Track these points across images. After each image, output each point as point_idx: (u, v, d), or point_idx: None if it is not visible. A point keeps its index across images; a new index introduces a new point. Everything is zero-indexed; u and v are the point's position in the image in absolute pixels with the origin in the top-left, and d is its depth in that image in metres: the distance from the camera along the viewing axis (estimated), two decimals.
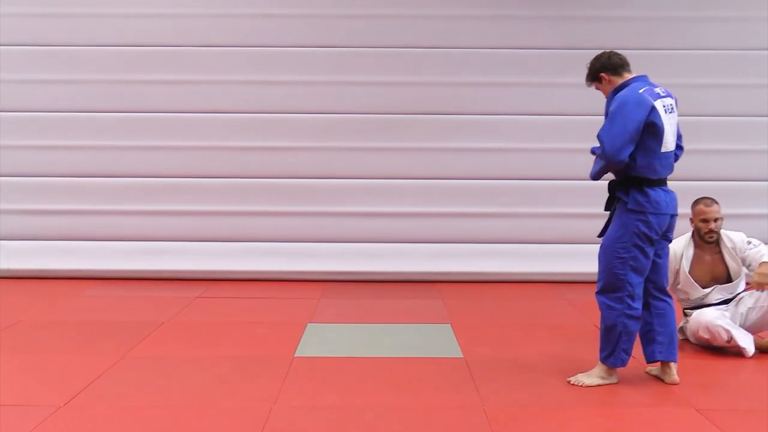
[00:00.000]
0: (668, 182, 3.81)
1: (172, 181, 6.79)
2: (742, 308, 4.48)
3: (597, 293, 3.84)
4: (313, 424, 3.28)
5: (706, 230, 4.47)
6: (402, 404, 3.54)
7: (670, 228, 3.82)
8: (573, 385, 3.83)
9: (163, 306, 5.62)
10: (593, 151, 3.84)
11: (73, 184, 6.78)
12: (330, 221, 6.80)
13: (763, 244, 4.47)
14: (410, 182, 6.83)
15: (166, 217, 6.77)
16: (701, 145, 6.21)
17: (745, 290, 4.57)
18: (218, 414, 3.39)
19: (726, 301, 4.53)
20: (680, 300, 4.60)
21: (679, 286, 4.56)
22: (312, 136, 6.80)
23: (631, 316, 3.74)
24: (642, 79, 3.81)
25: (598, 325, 3.89)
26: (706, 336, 4.37)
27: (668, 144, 3.72)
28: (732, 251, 4.48)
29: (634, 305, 3.74)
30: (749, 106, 6.80)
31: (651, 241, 3.72)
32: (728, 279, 4.52)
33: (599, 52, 3.98)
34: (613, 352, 3.78)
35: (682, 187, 3.90)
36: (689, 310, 4.61)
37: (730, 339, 4.31)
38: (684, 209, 3.89)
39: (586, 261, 6.44)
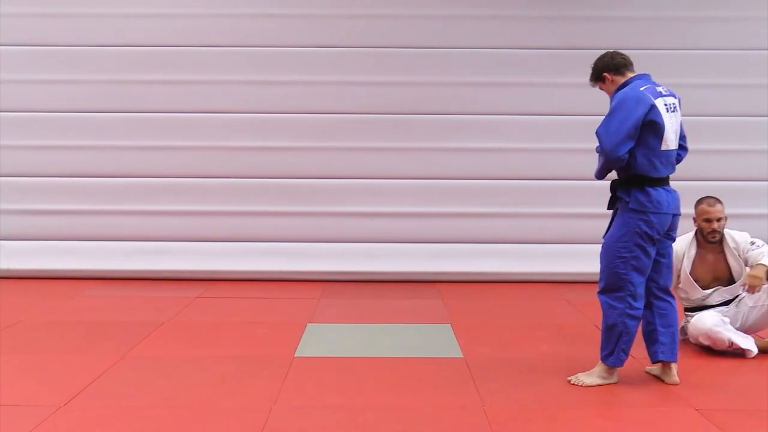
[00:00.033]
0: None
1: (172, 181, 6.79)
2: (743, 308, 4.47)
3: (599, 293, 3.85)
4: (313, 424, 3.28)
5: (709, 230, 4.44)
6: (402, 404, 3.54)
7: (672, 227, 3.81)
8: (573, 384, 3.84)
9: (163, 306, 5.62)
10: (598, 150, 3.84)
11: (73, 184, 6.78)
12: (330, 221, 6.80)
13: (766, 245, 4.42)
14: (410, 182, 6.83)
15: (166, 217, 6.78)
16: (701, 145, 6.18)
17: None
18: (218, 414, 3.39)
19: (727, 302, 4.52)
20: (681, 299, 4.59)
21: (680, 286, 4.56)
22: (312, 136, 6.80)
23: (632, 316, 3.74)
24: (644, 77, 3.81)
25: (599, 325, 3.90)
26: (707, 343, 4.37)
27: (669, 142, 3.71)
28: (735, 252, 4.45)
29: (636, 305, 3.74)
30: (749, 106, 6.80)
31: (653, 241, 3.72)
32: (730, 279, 4.51)
33: (599, 51, 3.99)
34: (613, 352, 3.79)
35: (682, 187, 3.89)
36: (690, 312, 4.60)
37: (731, 344, 4.31)
38: (686, 209, 3.89)
39: (586, 261, 6.46)
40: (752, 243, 4.43)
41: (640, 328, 3.90)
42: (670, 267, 3.90)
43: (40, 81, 6.75)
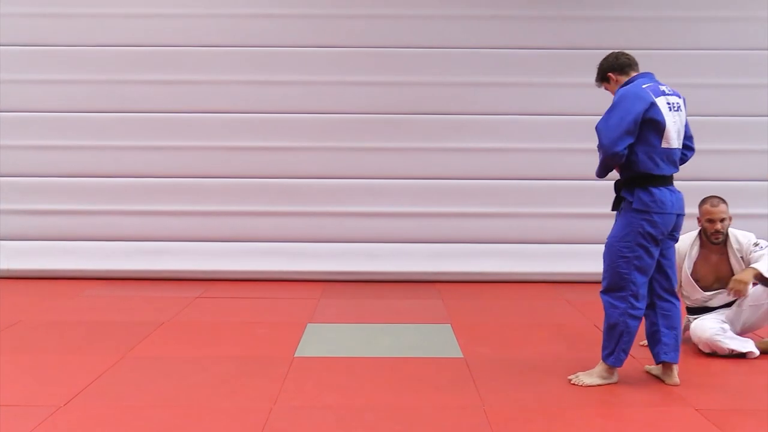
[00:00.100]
0: None
1: (172, 181, 6.79)
2: (744, 307, 4.45)
3: (601, 292, 3.84)
4: (313, 424, 3.28)
5: (712, 231, 4.39)
6: (402, 404, 3.54)
7: (676, 228, 3.80)
8: (573, 384, 3.84)
9: (163, 306, 5.62)
10: (598, 147, 3.84)
11: (73, 184, 6.78)
12: (330, 221, 6.80)
13: None
14: (410, 182, 6.83)
15: (166, 217, 6.78)
16: (701, 145, 6.06)
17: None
18: (218, 414, 3.39)
19: (729, 304, 4.48)
20: (684, 298, 4.55)
21: (681, 285, 4.54)
22: (312, 136, 6.80)
23: (633, 316, 3.73)
24: (647, 76, 3.81)
25: (599, 325, 3.90)
26: (707, 351, 4.37)
27: (671, 141, 3.70)
28: (738, 253, 4.39)
29: (638, 305, 3.74)
30: (749, 106, 6.80)
31: (656, 241, 3.71)
32: None
33: (599, 51, 3.99)
34: (613, 351, 3.79)
35: (683, 187, 3.88)
36: (692, 315, 4.59)
37: (732, 351, 4.30)
38: (688, 209, 3.88)
39: (586, 261, 6.50)
40: (756, 244, 4.36)
41: (643, 328, 3.91)
42: (672, 268, 3.89)
43: (40, 81, 6.75)
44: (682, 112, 3.80)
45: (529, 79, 6.81)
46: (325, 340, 4.74)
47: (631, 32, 6.73)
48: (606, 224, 4.01)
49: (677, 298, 3.92)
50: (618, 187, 3.84)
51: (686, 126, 3.90)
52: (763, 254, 4.30)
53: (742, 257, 4.39)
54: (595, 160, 3.84)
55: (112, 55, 6.77)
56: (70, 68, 6.76)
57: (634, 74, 3.84)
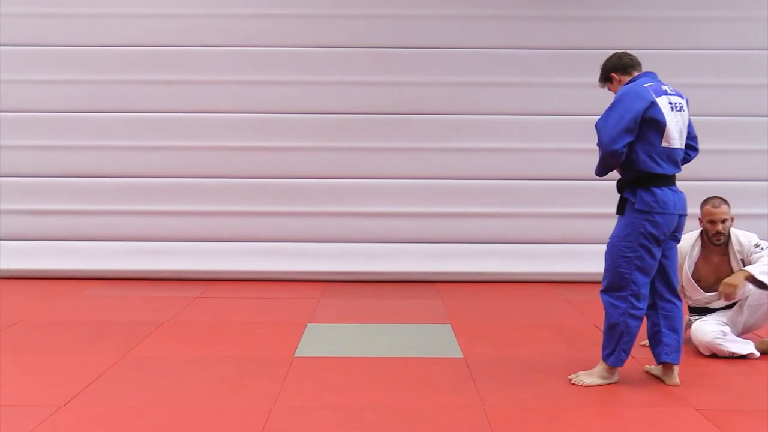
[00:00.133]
0: None
1: (172, 181, 6.79)
2: (745, 307, 4.41)
3: (601, 291, 3.84)
4: (313, 424, 3.28)
5: (714, 232, 4.36)
6: (402, 404, 3.54)
7: (678, 228, 3.80)
8: (573, 384, 3.84)
9: (163, 306, 5.62)
10: (598, 145, 3.84)
11: (73, 184, 6.78)
12: (330, 221, 6.80)
13: None
14: (410, 182, 6.83)
15: (166, 217, 6.78)
16: (701, 145, 6.12)
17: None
18: (218, 414, 3.39)
19: (731, 305, 4.44)
20: (686, 298, 4.53)
21: (683, 285, 4.52)
22: (312, 136, 6.80)
23: (634, 316, 3.73)
24: (650, 75, 3.82)
25: (599, 325, 3.90)
26: (707, 353, 4.35)
27: (672, 140, 3.70)
28: (738, 255, 4.35)
29: (639, 305, 3.73)
30: (749, 106, 6.80)
31: (658, 242, 3.71)
32: None
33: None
34: (614, 351, 3.78)
35: (682, 187, 3.87)
36: (693, 315, 4.58)
37: (733, 354, 4.30)
38: (689, 209, 3.87)
39: (586, 261, 6.51)
40: (756, 245, 4.32)
41: (644, 329, 3.91)
42: (674, 268, 3.88)
43: (40, 81, 6.75)
44: (685, 113, 3.80)
45: (529, 79, 6.81)
46: (325, 340, 4.74)
47: (631, 32, 6.73)
48: (606, 224, 4.02)
49: (679, 299, 3.91)
50: (620, 187, 3.83)
51: (690, 126, 3.90)
52: (762, 256, 4.27)
53: (742, 259, 4.35)
54: (595, 160, 3.84)
55: (112, 55, 6.77)
56: (70, 68, 6.76)
57: (636, 74, 3.84)
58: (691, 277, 4.48)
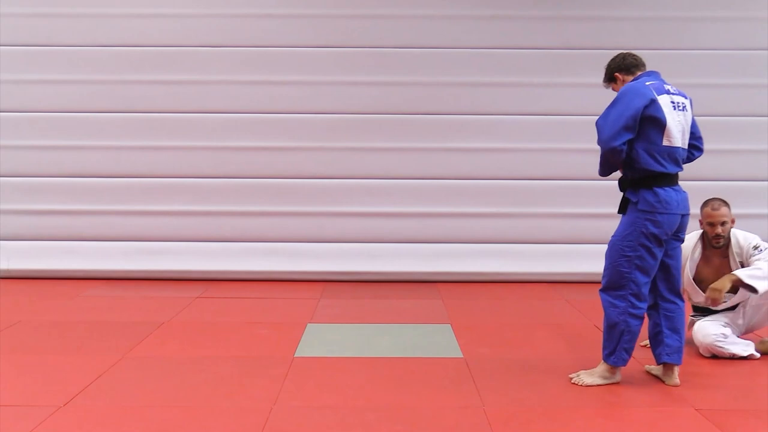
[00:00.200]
0: None
1: (172, 181, 6.79)
2: (747, 307, 4.40)
3: (600, 290, 3.84)
4: (313, 424, 3.28)
5: (713, 235, 4.31)
6: (402, 404, 3.54)
7: (681, 228, 3.79)
8: (574, 383, 3.84)
9: (163, 306, 5.62)
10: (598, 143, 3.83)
11: (73, 184, 6.78)
12: (330, 221, 6.80)
13: (766, 251, 4.23)
14: (410, 182, 6.83)
15: (166, 217, 6.78)
16: None
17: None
18: (218, 414, 3.39)
19: (733, 306, 4.42)
20: (688, 299, 4.51)
21: (684, 287, 4.49)
22: (312, 136, 6.80)
23: (634, 315, 3.72)
24: (652, 74, 3.82)
25: (599, 325, 3.90)
26: (708, 355, 4.35)
27: (672, 139, 3.69)
28: (738, 257, 4.30)
29: (639, 304, 3.73)
30: (749, 106, 6.80)
31: (659, 242, 3.70)
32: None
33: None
34: (614, 351, 3.78)
35: (683, 187, 3.88)
36: (695, 314, 4.57)
37: (733, 355, 4.29)
38: (692, 210, 3.87)
39: (586, 261, 6.51)
40: (755, 247, 4.26)
41: (645, 329, 3.91)
42: (678, 268, 3.87)
43: (40, 81, 6.75)
44: (688, 113, 3.79)
45: (529, 79, 6.81)
46: (325, 340, 4.74)
47: (631, 32, 6.73)
48: (606, 224, 4.02)
49: (682, 299, 3.90)
50: (623, 186, 3.83)
51: (695, 126, 3.90)
52: (759, 259, 4.20)
53: (741, 262, 4.30)
54: (595, 160, 3.84)
55: (112, 55, 6.77)
56: (70, 68, 6.76)
57: (640, 74, 3.84)
58: (693, 278, 4.44)
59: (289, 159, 6.80)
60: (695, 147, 3.94)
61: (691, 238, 4.40)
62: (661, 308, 3.84)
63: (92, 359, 4.20)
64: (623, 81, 3.86)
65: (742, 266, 4.27)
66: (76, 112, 6.78)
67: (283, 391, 3.71)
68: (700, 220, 4.43)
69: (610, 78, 3.94)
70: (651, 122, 3.65)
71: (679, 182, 3.82)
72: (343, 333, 4.92)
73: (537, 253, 6.78)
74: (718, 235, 4.31)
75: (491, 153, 6.81)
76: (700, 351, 4.38)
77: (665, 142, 3.68)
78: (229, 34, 6.79)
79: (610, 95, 3.89)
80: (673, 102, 3.70)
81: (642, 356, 4.26)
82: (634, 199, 3.72)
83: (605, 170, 3.82)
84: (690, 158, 3.94)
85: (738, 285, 4.18)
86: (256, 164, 6.78)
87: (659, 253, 3.73)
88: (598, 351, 3.94)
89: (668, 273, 3.82)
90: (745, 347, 4.34)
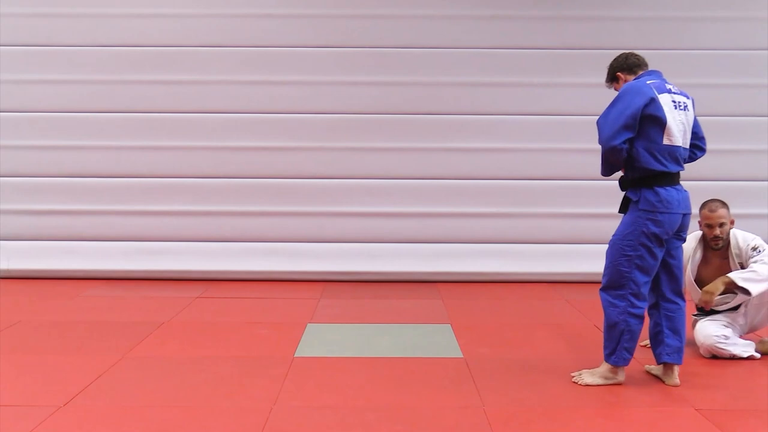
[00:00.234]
0: None
1: (172, 181, 6.79)
2: (749, 307, 4.39)
3: (600, 290, 3.83)
4: (313, 424, 3.28)
5: (711, 236, 4.29)
6: (402, 404, 3.54)
7: (683, 227, 3.78)
8: (575, 383, 3.84)
9: (163, 306, 5.62)
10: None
11: (73, 184, 6.78)
12: (330, 221, 6.80)
13: (763, 253, 4.20)
14: (410, 182, 6.83)
15: (166, 217, 6.78)
16: None
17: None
18: (218, 414, 3.39)
19: (736, 307, 4.40)
20: (690, 299, 4.52)
21: (685, 287, 4.47)
22: (312, 136, 6.80)
23: (633, 315, 3.72)
24: (654, 74, 3.82)
25: (598, 325, 3.89)
26: (708, 356, 4.34)
27: (673, 138, 3.68)
28: (737, 258, 4.28)
29: (638, 304, 3.72)
30: (749, 106, 6.80)
31: (660, 242, 3.70)
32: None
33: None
34: (615, 351, 3.77)
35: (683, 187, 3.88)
36: (697, 314, 4.56)
37: (734, 356, 4.29)
38: (695, 209, 3.86)
39: (586, 261, 6.51)
40: (754, 248, 4.24)
41: (646, 328, 3.91)
42: (680, 268, 3.86)
43: (40, 81, 6.75)
44: (690, 112, 3.79)
45: (529, 79, 6.81)
46: (325, 340, 4.74)
47: (631, 32, 6.73)
48: (606, 224, 4.02)
49: (683, 300, 3.89)
50: (623, 186, 3.82)
51: (697, 126, 3.90)
52: (757, 261, 4.18)
53: (741, 263, 4.28)
54: (595, 160, 3.84)
55: (112, 55, 6.77)
56: (70, 68, 6.76)
57: (641, 73, 3.84)
58: (694, 279, 4.42)
59: (289, 159, 6.80)
60: (698, 147, 3.94)
61: (692, 239, 4.38)
62: (662, 308, 3.84)
63: (92, 359, 4.20)
64: (625, 80, 3.86)
65: (742, 267, 4.26)
66: (76, 112, 6.78)
67: (283, 391, 3.71)
68: (699, 222, 4.42)
69: (612, 78, 3.94)
70: (651, 121, 3.64)
71: (681, 182, 3.81)
72: (343, 333, 4.92)
73: (537, 253, 6.78)
74: (716, 237, 4.30)
75: (491, 153, 6.81)
76: (701, 351, 4.38)
77: (666, 141, 3.67)
78: (229, 34, 6.79)
79: (610, 95, 3.89)
80: (674, 101, 3.70)
81: (642, 356, 4.26)
82: (634, 198, 3.72)
83: (607, 170, 3.81)
84: (692, 158, 3.94)
85: (731, 287, 4.18)
86: (256, 164, 6.78)
87: (660, 253, 3.73)
88: (598, 351, 3.94)
89: (671, 273, 3.82)
90: (745, 348, 4.34)
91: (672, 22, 6.83)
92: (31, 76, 6.76)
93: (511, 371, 4.06)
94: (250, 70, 6.78)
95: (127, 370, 4.05)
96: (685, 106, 3.76)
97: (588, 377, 3.85)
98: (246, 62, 6.78)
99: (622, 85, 3.85)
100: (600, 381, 3.82)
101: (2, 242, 6.74)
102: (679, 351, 3.83)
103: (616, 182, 3.88)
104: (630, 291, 3.72)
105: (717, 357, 4.33)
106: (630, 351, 3.77)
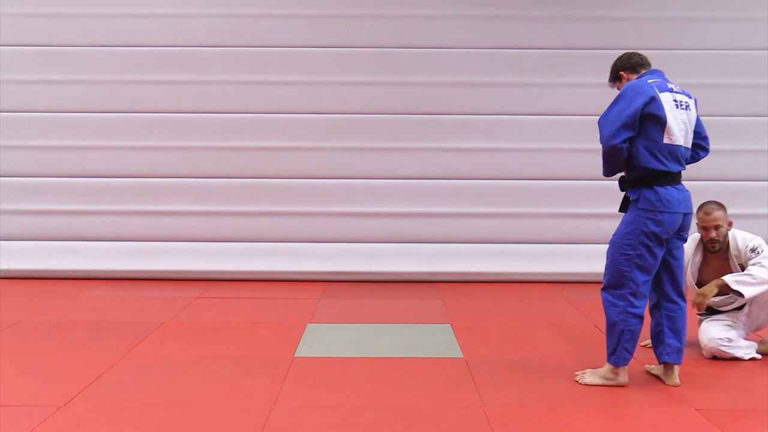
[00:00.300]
0: None
1: (172, 181, 6.79)
2: (754, 305, 4.37)
3: (601, 289, 3.83)
4: (313, 424, 3.28)
5: (707, 239, 4.28)
6: (402, 404, 3.54)
7: (684, 227, 3.78)
8: (576, 382, 3.84)
9: (163, 306, 5.63)
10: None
11: (73, 184, 6.78)
12: (330, 221, 6.80)
13: (761, 255, 4.18)
14: (410, 182, 6.83)
15: (166, 217, 6.78)
16: None
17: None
18: (218, 414, 3.39)
19: (740, 307, 4.38)
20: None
21: (686, 288, 4.45)
22: (312, 136, 6.80)
23: (633, 314, 3.71)
24: (655, 73, 3.81)
25: (598, 325, 3.89)
26: (709, 356, 4.34)
27: (674, 137, 3.67)
28: (736, 260, 4.26)
29: (637, 303, 3.72)
30: (749, 106, 6.80)
31: (660, 241, 3.69)
32: None
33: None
34: (615, 350, 3.77)
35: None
36: (702, 313, 4.54)
37: (735, 358, 4.28)
38: (695, 209, 3.86)
39: (585, 261, 6.52)
40: (753, 250, 4.21)
41: (647, 328, 3.91)
42: (681, 268, 3.86)
43: (40, 81, 6.75)
44: (692, 112, 3.79)
45: (529, 79, 6.81)
46: (325, 340, 4.74)
47: (631, 32, 6.73)
48: (606, 224, 4.02)
49: (684, 300, 3.89)
50: (623, 186, 3.82)
51: (700, 126, 3.90)
52: (756, 262, 4.16)
53: (741, 264, 4.26)
54: (594, 160, 3.84)
55: (112, 55, 6.77)
56: (70, 68, 6.76)
57: (644, 72, 3.84)
58: (696, 281, 4.40)
59: (289, 159, 6.80)
60: (701, 147, 3.94)
61: (692, 241, 4.37)
62: (663, 308, 3.84)
63: (92, 359, 4.20)
64: (628, 80, 3.85)
65: (743, 269, 4.24)
66: (77, 112, 6.78)
67: (283, 391, 3.71)
68: (697, 223, 4.41)
69: (615, 77, 3.94)
70: (651, 120, 3.64)
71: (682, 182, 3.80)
72: (343, 333, 4.92)
73: (537, 253, 6.79)
74: (712, 239, 4.28)
75: (491, 153, 6.81)
76: (703, 352, 4.37)
77: (666, 140, 3.67)
78: (229, 34, 6.79)
79: (609, 95, 3.89)
80: (675, 100, 3.69)
81: (642, 356, 4.26)
82: (634, 197, 3.72)
83: (608, 170, 3.80)
84: (695, 158, 3.94)
85: (725, 290, 4.18)
86: (256, 164, 6.78)
87: (660, 252, 3.72)
88: (598, 351, 3.95)
89: (672, 273, 3.82)
90: (747, 350, 4.33)
91: (672, 22, 6.83)
92: (32, 76, 6.76)
93: (511, 371, 4.06)
94: (250, 70, 6.78)
95: (127, 370, 4.05)
96: (687, 106, 3.75)
97: (590, 377, 3.85)
98: (246, 62, 6.79)
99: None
100: (600, 381, 3.82)
101: (2, 242, 6.74)
102: (679, 351, 3.83)
103: (616, 182, 3.88)
104: (629, 290, 3.71)
105: (717, 358, 4.33)
106: (630, 351, 3.77)
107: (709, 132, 4.05)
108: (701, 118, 3.97)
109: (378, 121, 6.81)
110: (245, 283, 6.62)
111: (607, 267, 3.81)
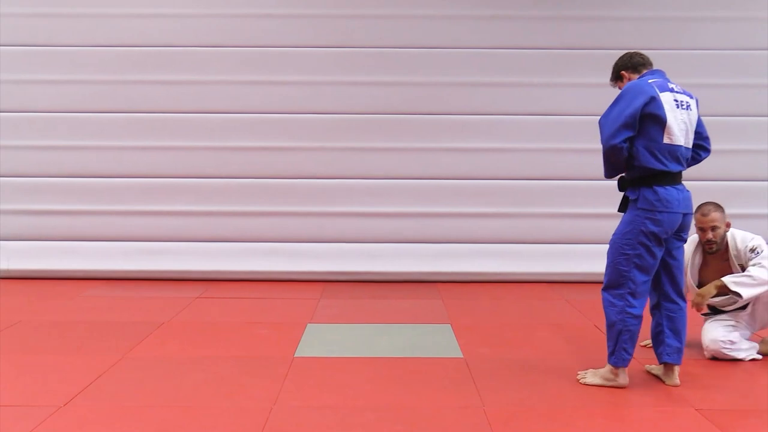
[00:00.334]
0: None
1: (172, 181, 6.79)
2: (758, 304, 4.36)
3: (602, 289, 3.83)
4: (313, 424, 3.28)
5: (704, 240, 4.27)
6: (402, 404, 3.54)
7: (683, 227, 3.77)
8: (576, 382, 3.84)
9: (163, 306, 5.63)
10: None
11: (73, 184, 6.78)
12: (330, 221, 6.80)
13: (761, 255, 4.17)
14: (410, 182, 6.83)
15: (166, 217, 6.78)
16: None
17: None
18: (218, 414, 3.39)
19: (743, 306, 4.37)
20: None
21: (687, 288, 4.45)
22: (312, 136, 6.80)
23: (631, 315, 3.71)
24: (656, 73, 3.81)
25: (598, 325, 3.89)
26: (709, 357, 4.34)
27: (674, 137, 3.66)
28: (736, 260, 4.25)
29: (635, 303, 3.71)
30: (749, 106, 6.80)
31: (659, 241, 3.69)
32: None
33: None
34: (614, 350, 3.76)
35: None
36: (705, 313, 4.53)
37: (736, 359, 4.29)
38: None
39: (585, 261, 6.52)
40: (752, 250, 4.20)
41: (647, 329, 3.90)
42: (680, 268, 3.86)
43: (40, 81, 6.75)
44: (693, 112, 3.79)
45: (528, 79, 6.81)
46: (325, 340, 4.74)
47: (631, 32, 6.73)
48: (605, 224, 4.02)
49: (684, 300, 3.89)
50: (622, 186, 3.82)
51: (701, 126, 3.90)
52: (755, 263, 4.15)
53: (741, 264, 4.24)
54: (594, 160, 3.83)
55: (112, 55, 6.77)
56: (70, 68, 6.76)
57: (645, 71, 3.84)
58: (697, 282, 4.39)
59: (289, 159, 6.80)
60: (702, 147, 3.94)
61: (691, 242, 4.36)
62: (663, 308, 3.84)
63: (92, 359, 4.21)
64: (629, 79, 3.85)
65: (743, 269, 4.23)
66: (77, 112, 6.78)
67: (283, 391, 3.72)
68: (695, 225, 4.40)
69: (617, 76, 3.93)
70: (651, 119, 3.64)
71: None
72: (343, 333, 4.92)
73: (536, 253, 6.79)
74: (709, 241, 4.27)
75: (491, 153, 6.81)
76: (705, 353, 4.37)
77: (666, 140, 3.66)
78: (229, 34, 6.79)
79: (609, 95, 3.89)
80: (676, 100, 3.69)
81: (642, 356, 4.26)
82: (633, 197, 3.72)
83: (609, 171, 3.79)
84: (696, 158, 3.93)
85: (724, 291, 4.18)
86: (256, 164, 6.78)
87: (659, 252, 3.72)
88: (598, 351, 3.95)
89: (672, 273, 3.81)
90: (749, 352, 4.32)
91: (672, 22, 6.83)
92: (32, 76, 6.76)
93: (511, 371, 4.06)
94: (250, 70, 6.78)
95: (127, 370, 4.05)
96: (688, 106, 3.75)
97: (591, 377, 3.86)
98: (246, 62, 6.79)
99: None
100: (599, 381, 3.82)
101: (2, 242, 6.74)
102: (679, 351, 3.83)
103: (616, 182, 3.88)
104: (628, 290, 3.71)
105: (717, 358, 4.33)
106: (629, 351, 3.76)
107: (710, 132, 4.05)
108: (701, 118, 3.97)
109: (378, 121, 6.81)
110: (245, 283, 6.62)
111: (607, 267, 3.80)
